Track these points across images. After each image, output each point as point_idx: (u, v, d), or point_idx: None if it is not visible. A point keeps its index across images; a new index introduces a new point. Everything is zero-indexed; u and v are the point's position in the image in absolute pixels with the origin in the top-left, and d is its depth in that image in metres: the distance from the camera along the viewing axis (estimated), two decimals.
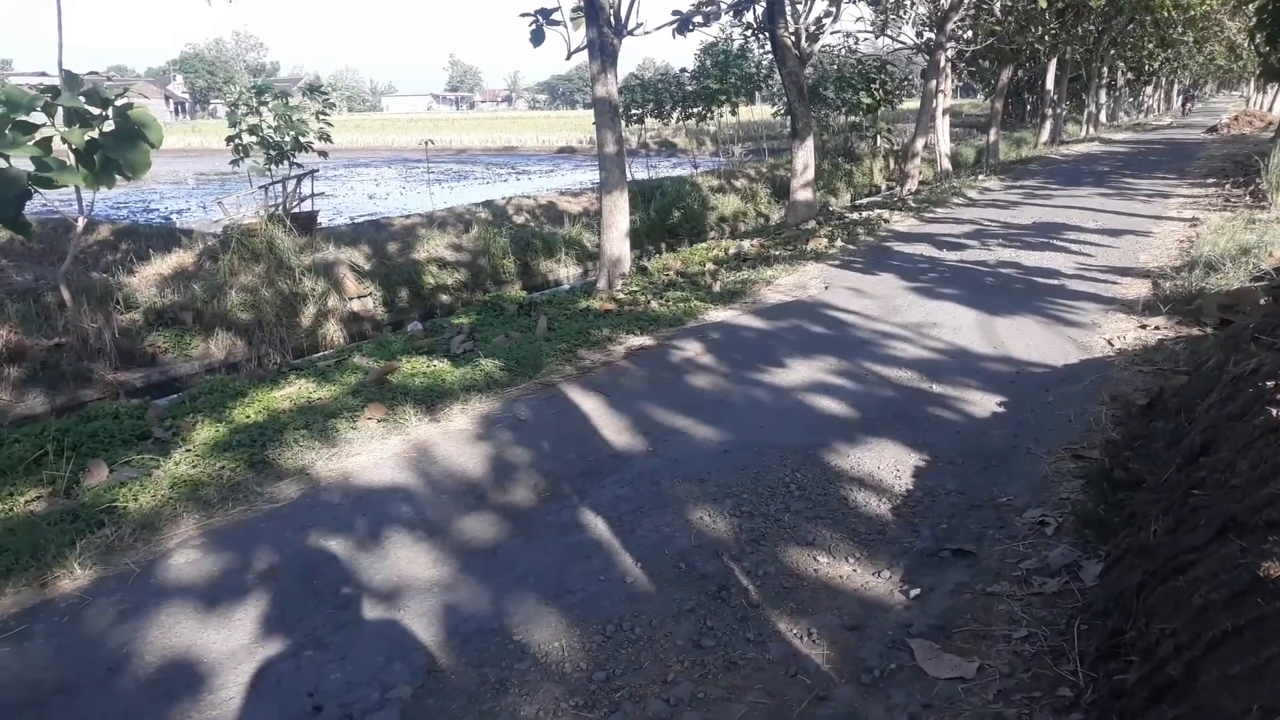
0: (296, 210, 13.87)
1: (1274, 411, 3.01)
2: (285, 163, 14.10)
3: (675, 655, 3.32)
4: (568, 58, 10.69)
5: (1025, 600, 3.58)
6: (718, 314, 8.51)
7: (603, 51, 9.93)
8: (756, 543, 4.13)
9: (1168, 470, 3.70)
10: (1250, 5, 22.61)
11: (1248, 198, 14.66)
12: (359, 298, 12.39)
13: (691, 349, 7.30)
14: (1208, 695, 2.23)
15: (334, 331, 11.66)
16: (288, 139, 13.85)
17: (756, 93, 26.66)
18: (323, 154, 14.69)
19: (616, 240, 10.29)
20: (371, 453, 5.35)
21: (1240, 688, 2.15)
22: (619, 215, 10.29)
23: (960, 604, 3.61)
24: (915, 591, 3.71)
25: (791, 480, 4.77)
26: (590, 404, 6.07)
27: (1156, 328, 7.34)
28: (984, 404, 5.84)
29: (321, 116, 14.48)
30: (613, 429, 5.62)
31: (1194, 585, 2.61)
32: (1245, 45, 33.15)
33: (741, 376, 6.56)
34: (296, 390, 6.49)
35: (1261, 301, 6.64)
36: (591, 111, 10.86)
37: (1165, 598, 2.72)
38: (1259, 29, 21.65)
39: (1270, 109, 43.52)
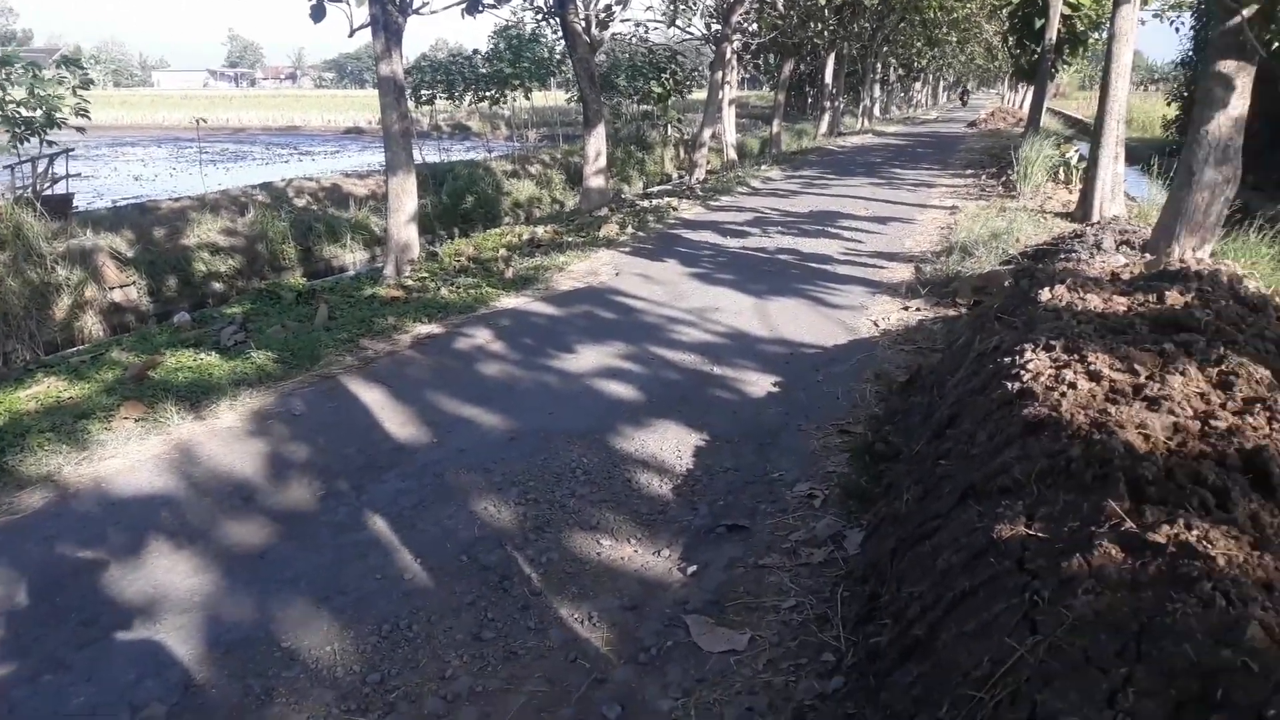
0: (49, 193, 12.64)
1: (1009, 385, 3.27)
2: (36, 140, 12.82)
3: (454, 650, 3.25)
4: (350, 35, 10.25)
5: (794, 571, 3.74)
6: (510, 301, 8.43)
7: (386, 29, 9.59)
8: (541, 530, 4.11)
9: (919, 441, 3.97)
10: (1004, 10, 24.59)
11: (1000, 188, 15.95)
12: (121, 287, 11.44)
13: (481, 336, 7.19)
14: (947, 652, 2.39)
15: (92, 324, 10.72)
16: (38, 114, 12.59)
17: (550, 78, 26.57)
18: (80, 130, 13.46)
19: (404, 224, 9.99)
20: (128, 455, 4.95)
21: (974, 643, 2.32)
22: (406, 198, 9.99)
23: (734, 578, 3.73)
24: (692, 568, 3.80)
25: (578, 465, 4.78)
26: (372, 395, 5.86)
27: (918, 309, 7.86)
28: (760, 384, 6.07)
29: (79, 91, 13.25)
30: (396, 421, 5.45)
31: (938, 550, 2.80)
32: (1000, 47, 36.02)
33: (532, 363, 6.52)
34: (45, 389, 5.93)
35: (1006, 283, 7.24)
36: (377, 91, 10.49)
37: (914, 562, 2.90)
38: (1011, 32, 23.61)
39: (1020, 106, 47.48)
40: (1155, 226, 6.93)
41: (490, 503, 4.37)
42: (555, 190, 20.64)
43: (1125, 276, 4.95)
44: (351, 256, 14.58)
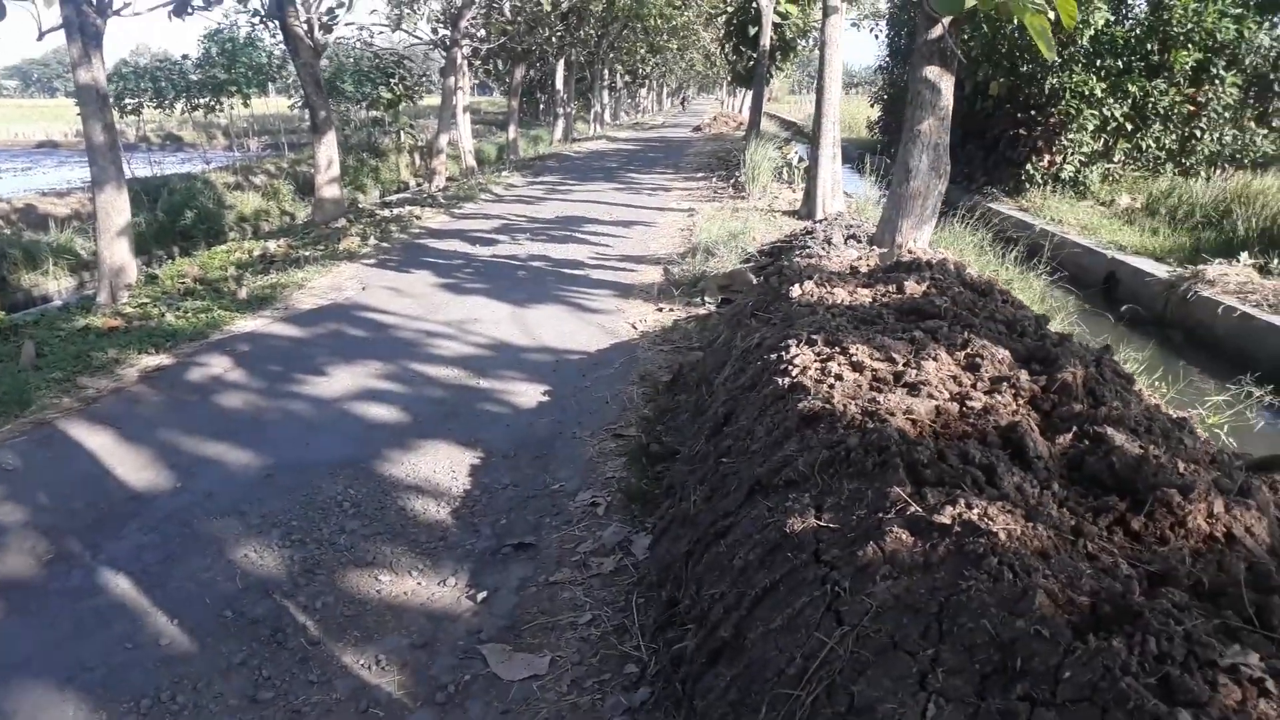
0: None
1: (780, 380, 3.37)
2: None
3: (229, 717, 2.94)
4: (39, 38, 9.16)
5: (586, 584, 3.69)
6: (247, 324, 7.83)
7: (83, 32, 8.63)
8: (311, 573, 3.81)
9: (697, 440, 4.03)
10: (720, 19, 25.85)
11: (731, 189, 16.70)
12: None
13: (219, 365, 6.62)
14: (757, 651, 2.41)
15: None
16: None
17: (270, 84, 25.16)
18: None
19: (116, 245, 9.06)
20: None
21: (783, 639, 2.35)
22: (117, 216, 9.06)
23: (526, 599, 3.62)
24: (482, 595, 3.66)
25: (345, 498, 4.48)
26: (99, 440, 5.23)
27: (671, 309, 8.06)
28: (530, 394, 5.98)
29: None
30: (130, 466, 4.89)
31: (734, 548, 2.83)
32: (717, 54, 37.87)
33: (280, 391, 6.07)
34: None
35: (752, 280, 7.56)
36: (75, 100, 9.42)
37: (711, 563, 2.92)
38: (727, 39, 24.88)
39: (740, 110, 50.18)
40: (880, 220, 7.46)
41: (250, 549, 4.00)
42: (284, 202, 19.54)
43: (864, 269, 5.29)
44: (56, 285, 13.09)
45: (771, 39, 20.62)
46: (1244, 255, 9.64)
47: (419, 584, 3.75)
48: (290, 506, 4.38)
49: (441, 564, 3.90)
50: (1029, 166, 15.81)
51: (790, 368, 3.41)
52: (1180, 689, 1.72)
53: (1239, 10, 14.53)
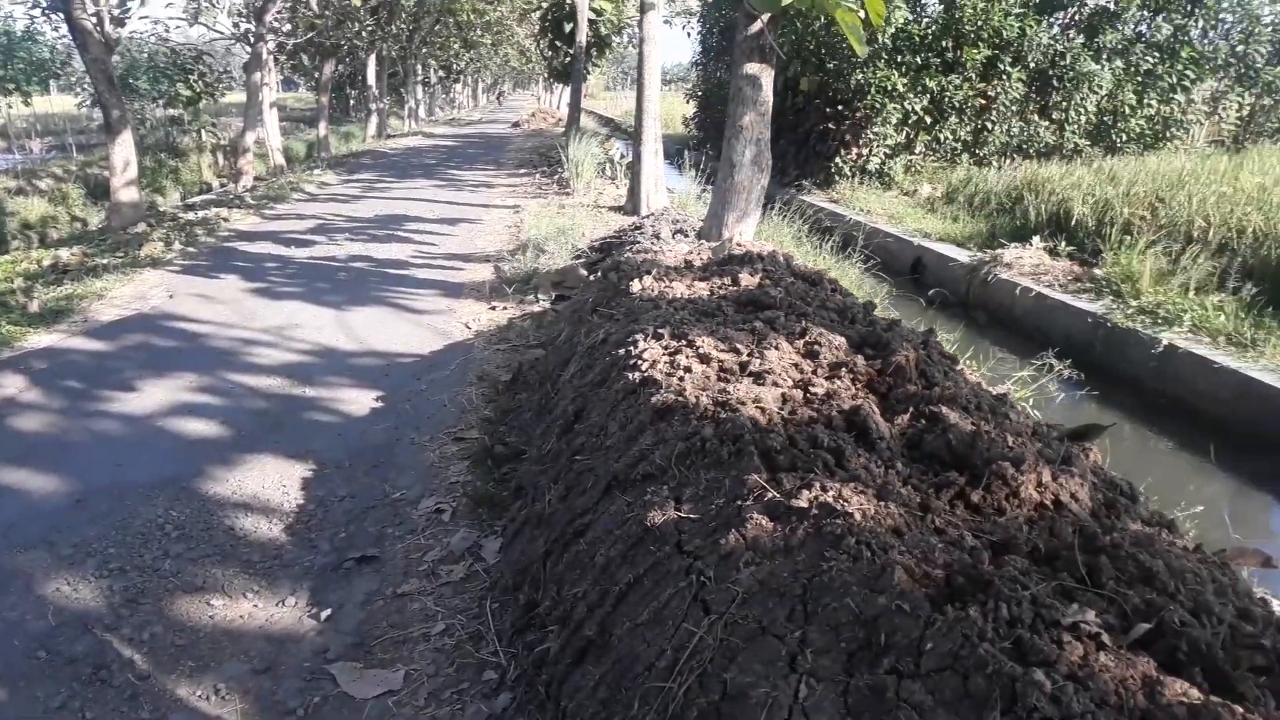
0: None
1: (630, 375, 3.37)
2: None
3: None
4: None
5: (437, 593, 3.58)
6: (41, 339, 7.18)
7: None
8: (134, 603, 3.53)
9: (546, 439, 3.98)
10: (535, 14, 25.72)
11: (555, 185, 16.66)
12: None
13: (12, 385, 6.04)
14: (624, 647, 2.40)
15: None
16: None
17: (53, 81, 23.22)
18: None
19: None
20: None
21: (650, 633, 2.35)
22: None
23: (374, 613, 3.49)
24: (326, 613, 3.49)
25: (166, 520, 4.18)
26: None
27: (505, 308, 7.96)
28: (361, 401, 5.76)
29: None
30: None
31: (594, 545, 2.81)
32: (533, 49, 37.71)
33: (85, 410, 5.60)
34: None
35: (585, 275, 7.56)
36: None
37: (571, 562, 2.89)
38: (542, 35, 24.80)
39: (558, 106, 50.16)
40: (707, 214, 7.61)
41: (63, 582, 3.67)
42: (75, 207, 18.06)
43: (698, 263, 5.37)
44: None
45: (587, 35, 20.70)
46: (1036, 239, 10.41)
47: (256, 606, 3.55)
48: (105, 533, 4.05)
49: (279, 584, 3.70)
50: (838, 159, 16.53)
51: (640, 362, 3.42)
52: (1032, 650, 1.83)
53: (1022, 10, 15.70)
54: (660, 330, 3.66)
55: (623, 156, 17.37)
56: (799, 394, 3.04)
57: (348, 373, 6.31)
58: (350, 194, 16.55)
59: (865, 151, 16.38)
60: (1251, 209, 9.02)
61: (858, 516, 2.26)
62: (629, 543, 2.65)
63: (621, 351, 3.62)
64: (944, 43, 15.95)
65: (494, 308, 7.98)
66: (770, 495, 2.43)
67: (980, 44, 15.68)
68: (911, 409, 2.99)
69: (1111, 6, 16.19)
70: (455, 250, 10.83)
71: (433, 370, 6.32)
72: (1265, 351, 6.74)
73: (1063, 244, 10.12)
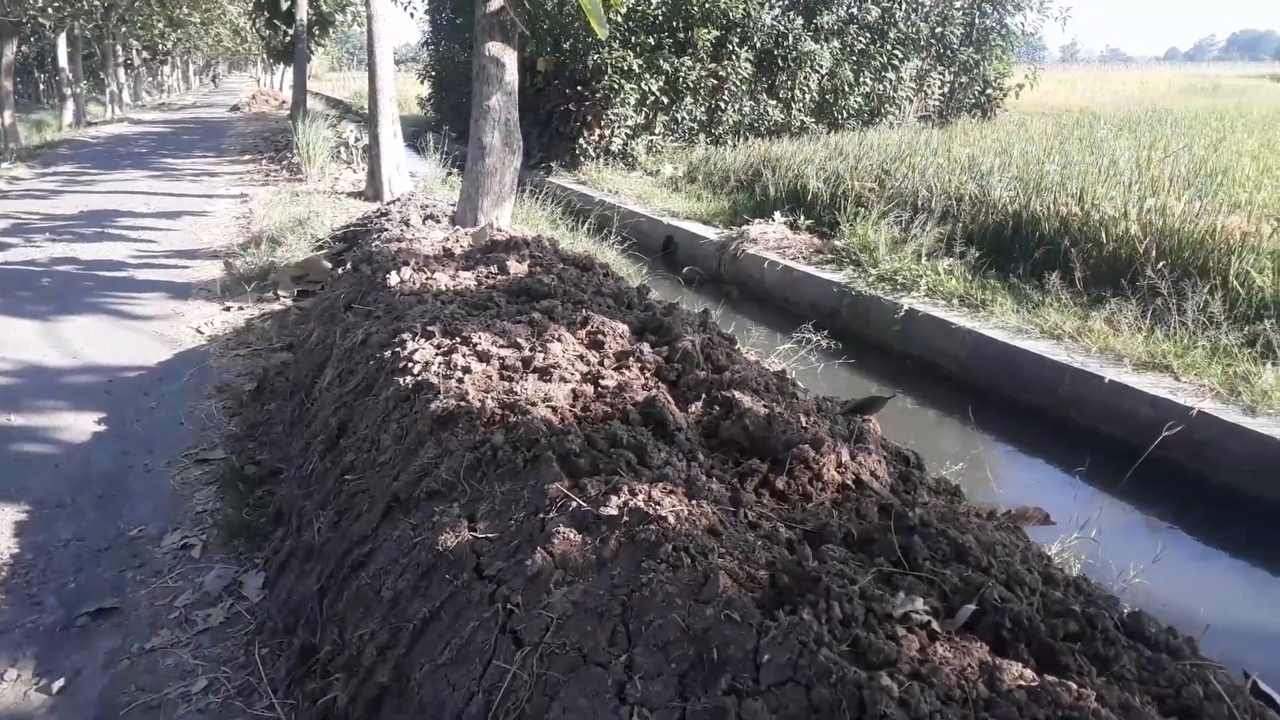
0: None
1: (402, 380, 3.07)
2: None
3: None
4: None
5: (194, 643, 3.13)
6: None
7: None
8: None
9: (308, 456, 3.59)
10: None
11: (285, 172, 15.58)
12: None
13: None
14: (426, 692, 2.14)
15: None
16: None
17: None
18: None
19: None
20: None
21: (455, 673, 2.10)
22: None
23: (120, 675, 2.99)
24: (59, 682, 2.96)
25: None
26: None
27: (241, 308, 7.27)
28: (80, 425, 5.03)
29: None
30: None
31: (379, 578, 2.51)
32: (248, 29, 35.18)
33: None
34: None
35: (332, 268, 7.05)
36: None
37: (353, 599, 2.57)
38: (258, 12, 23.10)
39: (280, 89, 47.18)
40: (459, 199, 7.28)
41: None
42: None
43: (458, 251, 5.08)
44: None
45: (308, 13, 19.50)
46: (777, 214, 10.82)
47: None
48: None
49: None
50: (581, 141, 16.51)
51: (411, 364, 3.12)
52: (871, 650, 1.75)
53: None
54: (430, 327, 3.36)
55: (358, 139, 16.47)
56: (590, 389, 2.87)
57: (62, 393, 5.51)
58: (48, 189, 14.70)
59: (607, 132, 16.46)
60: (966, 177, 9.79)
61: (671, 519, 2.12)
62: (419, 571, 2.38)
63: (388, 354, 3.30)
64: (675, 23, 16.27)
65: (228, 308, 7.27)
66: (575, 504, 2.25)
67: (709, 24, 16.13)
68: (704, 395, 2.90)
69: None
70: (179, 247, 9.82)
71: (163, 383, 5.64)
72: (994, 311, 7.31)
73: (802, 218, 10.58)
